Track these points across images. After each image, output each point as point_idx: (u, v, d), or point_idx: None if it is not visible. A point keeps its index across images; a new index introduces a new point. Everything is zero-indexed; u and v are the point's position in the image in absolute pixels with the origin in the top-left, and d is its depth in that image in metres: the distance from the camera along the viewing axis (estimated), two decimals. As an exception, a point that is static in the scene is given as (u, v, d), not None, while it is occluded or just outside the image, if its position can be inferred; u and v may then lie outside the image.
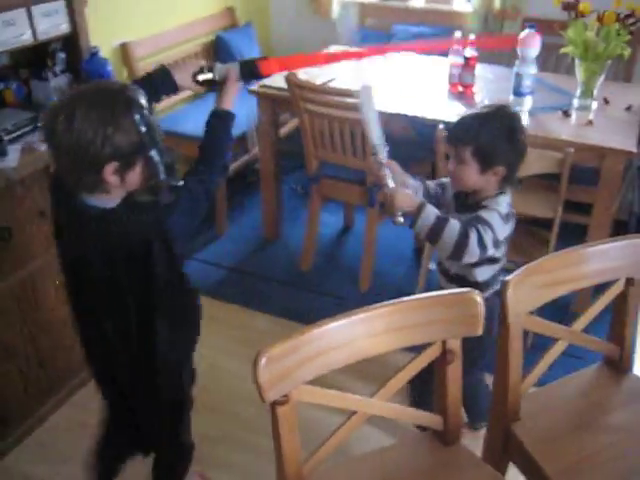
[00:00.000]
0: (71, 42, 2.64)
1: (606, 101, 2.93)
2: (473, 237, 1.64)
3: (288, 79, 2.89)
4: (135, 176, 1.40)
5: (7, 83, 2.59)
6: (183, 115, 3.62)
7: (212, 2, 4.00)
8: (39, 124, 2.35)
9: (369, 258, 3.13)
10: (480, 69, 3.28)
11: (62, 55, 2.66)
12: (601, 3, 2.73)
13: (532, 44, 2.79)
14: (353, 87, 2.80)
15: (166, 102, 3.66)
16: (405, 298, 1.34)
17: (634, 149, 2.54)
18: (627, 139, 2.60)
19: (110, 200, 1.44)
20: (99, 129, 1.31)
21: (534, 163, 2.53)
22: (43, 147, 2.26)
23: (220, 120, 1.64)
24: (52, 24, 2.50)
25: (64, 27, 2.55)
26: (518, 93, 2.87)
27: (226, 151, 1.65)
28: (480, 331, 1.34)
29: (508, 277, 1.38)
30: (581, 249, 1.51)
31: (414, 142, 3.08)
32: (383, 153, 1.69)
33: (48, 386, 2.45)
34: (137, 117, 1.35)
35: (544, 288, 1.44)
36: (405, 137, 3.06)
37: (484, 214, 1.70)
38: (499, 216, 1.71)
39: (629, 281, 1.56)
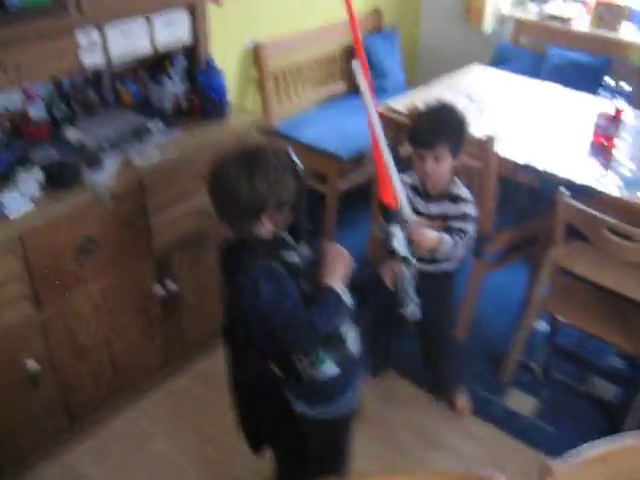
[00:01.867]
0: (191, 51, 2.59)
1: None
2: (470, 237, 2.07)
3: (410, 111, 2.69)
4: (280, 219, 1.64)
5: (125, 83, 2.59)
6: (305, 120, 3.54)
7: (358, 2, 3.81)
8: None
9: (469, 308, 2.91)
10: (637, 120, 2.89)
11: (183, 62, 2.61)
12: None
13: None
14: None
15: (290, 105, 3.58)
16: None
17: None
18: None
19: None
20: (268, 187, 1.55)
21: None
22: (139, 162, 2.26)
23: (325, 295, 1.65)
24: (172, 35, 2.43)
25: (185, 39, 2.49)
26: (667, 164, 2.48)
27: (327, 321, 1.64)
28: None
29: (551, 463, 1.14)
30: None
31: (537, 192, 2.76)
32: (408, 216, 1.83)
33: (118, 389, 2.51)
34: (289, 176, 1.59)
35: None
36: (529, 184, 2.75)
37: (469, 210, 2.09)
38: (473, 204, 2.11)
39: None
